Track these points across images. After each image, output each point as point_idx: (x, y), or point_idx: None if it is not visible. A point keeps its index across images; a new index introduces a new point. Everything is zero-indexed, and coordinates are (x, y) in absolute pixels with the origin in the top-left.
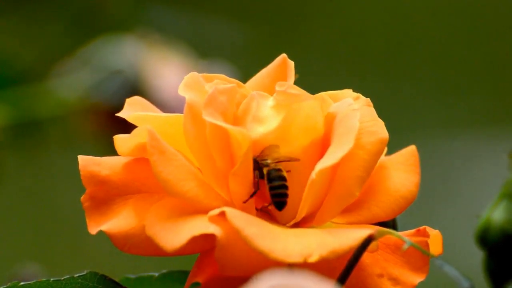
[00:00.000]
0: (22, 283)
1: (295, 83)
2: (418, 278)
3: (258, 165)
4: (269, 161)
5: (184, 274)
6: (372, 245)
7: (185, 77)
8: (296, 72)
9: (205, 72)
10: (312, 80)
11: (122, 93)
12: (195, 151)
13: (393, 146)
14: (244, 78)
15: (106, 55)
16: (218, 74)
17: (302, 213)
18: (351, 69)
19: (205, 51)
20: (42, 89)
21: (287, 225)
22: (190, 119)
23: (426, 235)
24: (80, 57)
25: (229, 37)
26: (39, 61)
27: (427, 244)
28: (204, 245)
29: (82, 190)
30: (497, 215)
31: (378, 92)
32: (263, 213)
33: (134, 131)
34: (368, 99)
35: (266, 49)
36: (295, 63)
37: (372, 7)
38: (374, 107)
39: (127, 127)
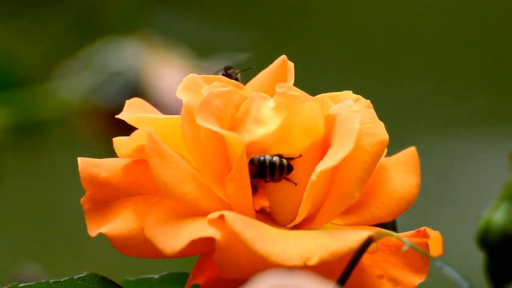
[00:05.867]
0: (22, 285)
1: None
2: (418, 279)
3: (257, 164)
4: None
5: (184, 276)
6: (372, 246)
7: (184, 79)
8: (296, 74)
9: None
10: (312, 81)
11: (123, 95)
12: (193, 153)
13: (393, 146)
14: (246, 80)
15: (108, 57)
16: (218, 76)
17: (302, 214)
18: (351, 70)
19: (207, 53)
20: (43, 91)
21: (287, 226)
22: (187, 121)
23: (426, 236)
24: (82, 59)
25: (231, 40)
26: (41, 63)
27: (427, 245)
28: (203, 247)
29: (83, 191)
30: (497, 216)
31: (378, 92)
32: (263, 215)
33: (134, 134)
34: (368, 100)
35: (267, 51)
36: (295, 65)
37: (372, 8)
38: (374, 107)
39: (128, 129)
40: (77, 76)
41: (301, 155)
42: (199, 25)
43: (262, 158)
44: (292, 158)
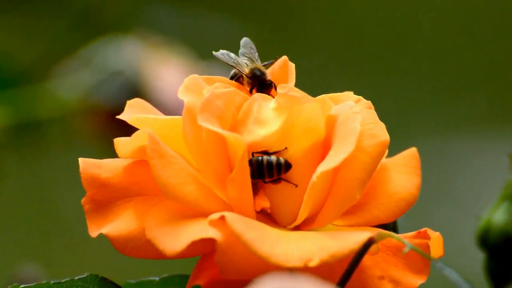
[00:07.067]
0: (22, 286)
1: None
2: (418, 280)
3: (255, 164)
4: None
5: (184, 278)
6: (373, 247)
7: (185, 80)
8: (297, 73)
9: (206, 74)
10: (312, 80)
11: (122, 94)
12: (194, 154)
13: (394, 147)
14: None
15: (106, 56)
16: (219, 77)
17: (303, 215)
18: (351, 70)
19: (206, 52)
20: (42, 90)
21: (288, 227)
22: (188, 122)
23: (426, 237)
24: (80, 58)
25: (230, 38)
26: (39, 61)
27: (427, 247)
28: (204, 248)
29: (83, 190)
30: (497, 216)
31: (379, 93)
32: (264, 216)
33: (135, 134)
34: (369, 101)
35: (267, 49)
36: (296, 64)
37: (372, 7)
38: (375, 107)
39: (127, 128)
40: (76, 75)
41: (286, 148)
42: (199, 23)
43: (259, 158)
44: (278, 152)
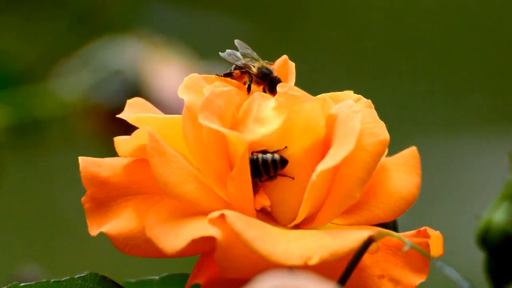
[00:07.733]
0: (22, 284)
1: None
2: (418, 279)
3: (251, 163)
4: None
5: (184, 277)
6: (373, 246)
7: (185, 79)
8: (297, 72)
9: (206, 73)
10: (312, 79)
11: (122, 94)
12: (194, 153)
13: (393, 146)
14: None
15: (107, 55)
16: (219, 76)
17: (303, 214)
18: (352, 69)
19: (206, 51)
20: (42, 90)
21: (288, 226)
22: (188, 121)
23: (426, 236)
24: (81, 57)
25: (231, 38)
26: (39, 61)
27: (427, 245)
28: (204, 246)
29: (83, 190)
30: (498, 216)
31: (379, 92)
32: (264, 214)
33: (135, 133)
34: (369, 100)
35: (268, 49)
36: (296, 63)
37: (373, 7)
38: (375, 107)
39: (127, 127)
40: (76, 74)
41: (286, 147)
42: (199, 23)
43: (254, 157)
44: (278, 151)
